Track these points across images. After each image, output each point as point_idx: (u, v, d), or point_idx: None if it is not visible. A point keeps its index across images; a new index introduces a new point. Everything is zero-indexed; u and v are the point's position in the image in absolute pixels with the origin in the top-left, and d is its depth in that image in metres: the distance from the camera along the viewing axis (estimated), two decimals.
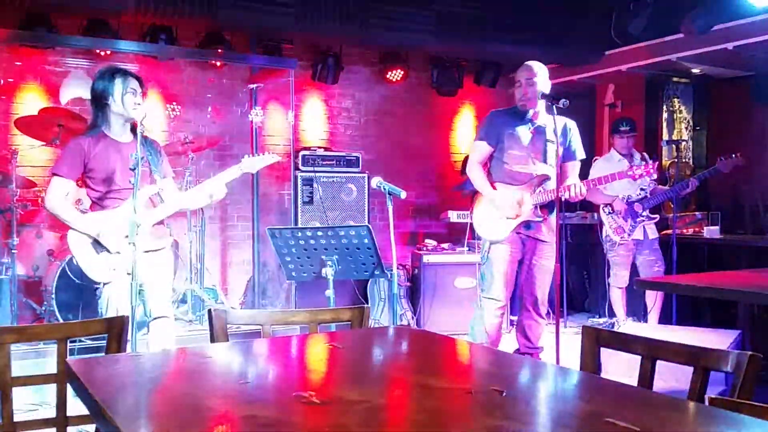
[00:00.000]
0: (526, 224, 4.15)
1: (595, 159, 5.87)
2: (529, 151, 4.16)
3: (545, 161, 4.18)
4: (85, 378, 1.60)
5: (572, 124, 4.28)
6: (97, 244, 3.50)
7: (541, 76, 4.13)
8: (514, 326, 4.45)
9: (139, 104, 3.52)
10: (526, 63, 4.24)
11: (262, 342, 2.18)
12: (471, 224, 4.32)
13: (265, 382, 1.74)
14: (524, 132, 4.17)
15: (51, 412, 2.09)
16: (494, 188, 4.21)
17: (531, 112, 4.18)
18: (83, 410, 1.58)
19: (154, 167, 3.62)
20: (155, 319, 3.71)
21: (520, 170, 4.17)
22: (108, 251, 3.50)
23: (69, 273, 4.61)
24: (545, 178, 4.15)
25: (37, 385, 2.12)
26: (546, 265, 4.20)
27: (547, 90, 4.11)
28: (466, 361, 2.05)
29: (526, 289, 4.28)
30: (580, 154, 4.31)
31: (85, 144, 3.51)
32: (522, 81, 4.16)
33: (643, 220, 5.55)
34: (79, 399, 1.57)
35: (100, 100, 3.52)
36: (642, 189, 5.55)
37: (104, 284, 3.50)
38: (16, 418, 2.01)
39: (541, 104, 4.13)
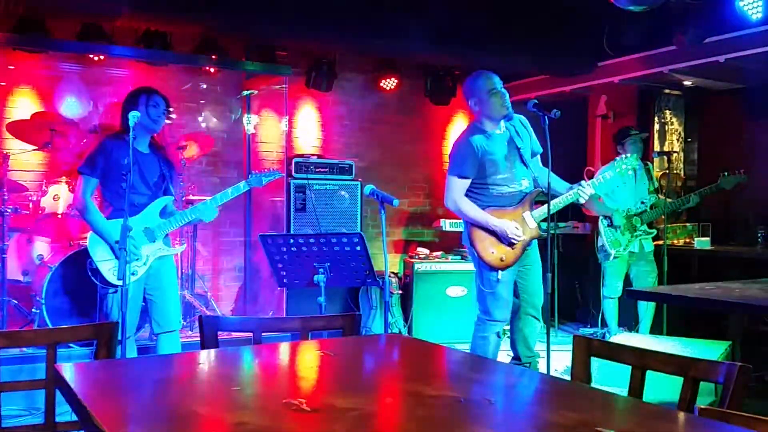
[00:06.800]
0: (527, 242, 3.94)
1: (588, 169, 5.88)
2: (509, 167, 3.94)
3: (525, 165, 4.00)
4: (74, 384, 1.59)
5: (523, 118, 4.09)
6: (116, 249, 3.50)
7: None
8: (510, 335, 4.11)
9: (161, 117, 3.73)
10: (484, 72, 4.01)
11: (253, 349, 2.18)
12: (477, 255, 3.90)
13: (256, 389, 1.74)
14: (500, 149, 3.94)
15: (39, 419, 2.08)
16: None
17: (502, 123, 3.99)
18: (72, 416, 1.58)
19: (170, 180, 3.82)
20: (165, 333, 3.75)
21: (508, 191, 3.94)
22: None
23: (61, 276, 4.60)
24: (537, 193, 3.99)
25: (25, 390, 2.11)
26: (537, 260, 4.01)
27: None
28: (457, 369, 2.05)
29: (528, 294, 3.99)
30: (539, 146, 4.12)
31: (109, 145, 3.63)
32: (497, 89, 3.92)
33: (641, 235, 5.54)
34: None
35: (126, 111, 3.64)
36: (642, 202, 5.56)
37: (116, 289, 3.53)
38: (4, 423, 1.99)
39: None
